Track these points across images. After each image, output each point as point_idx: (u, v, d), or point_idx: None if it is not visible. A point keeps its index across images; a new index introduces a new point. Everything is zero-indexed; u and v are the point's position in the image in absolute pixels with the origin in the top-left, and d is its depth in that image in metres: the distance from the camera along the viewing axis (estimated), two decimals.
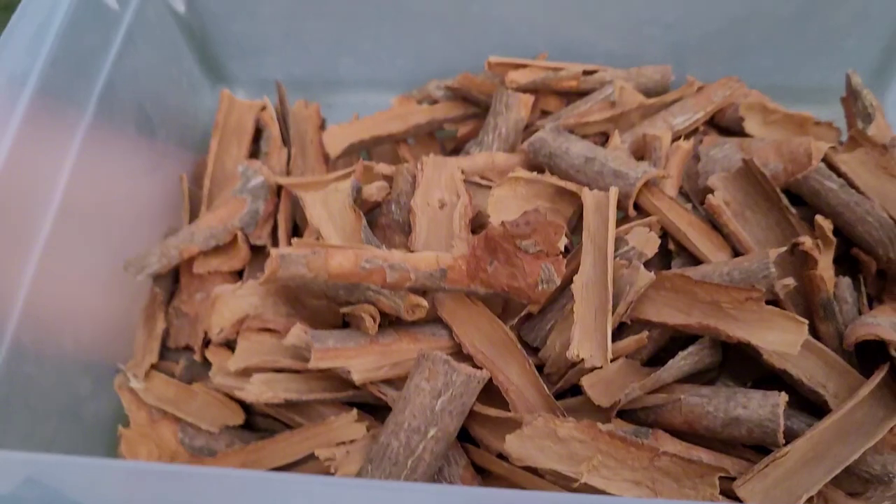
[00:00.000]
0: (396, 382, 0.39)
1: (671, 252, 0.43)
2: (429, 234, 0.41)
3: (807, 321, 0.37)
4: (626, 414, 0.39)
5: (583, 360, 0.37)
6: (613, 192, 0.41)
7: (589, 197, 0.41)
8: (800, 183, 0.42)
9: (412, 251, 0.40)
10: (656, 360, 0.40)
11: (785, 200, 0.41)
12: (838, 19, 0.49)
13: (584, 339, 0.37)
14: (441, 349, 0.39)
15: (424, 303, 0.37)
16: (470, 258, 0.37)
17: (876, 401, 0.38)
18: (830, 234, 0.40)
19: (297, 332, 0.39)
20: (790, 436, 0.37)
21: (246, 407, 0.41)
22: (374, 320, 0.38)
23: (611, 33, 0.51)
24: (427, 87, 0.52)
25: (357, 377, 0.37)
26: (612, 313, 0.38)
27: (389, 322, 0.40)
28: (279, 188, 0.46)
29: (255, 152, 0.50)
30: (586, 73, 0.49)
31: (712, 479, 0.33)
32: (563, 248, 0.37)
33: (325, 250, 0.35)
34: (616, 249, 0.40)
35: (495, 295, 0.39)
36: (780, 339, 0.37)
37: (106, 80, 0.44)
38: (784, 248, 0.39)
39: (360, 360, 0.38)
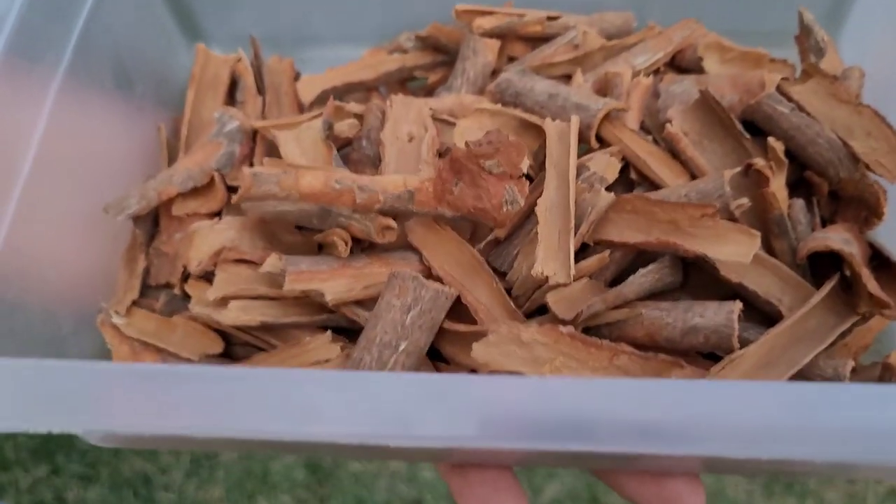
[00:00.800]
0: (368, 304, 0.40)
1: (633, 181, 0.45)
2: (398, 166, 0.42)
3: (759, 233, 0.38)
4: (591, 331, 0.41)
5: (547, 278, 0.38)
6: (575, 122, 0.42)
7: (551, 127, 0.43)
8: (754, 109, 0.43)
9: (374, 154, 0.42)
10: (620, 280, 0.42)
11: (739, 127, 0.43)
12: None
13: (548, 258, 0.39)
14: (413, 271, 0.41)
15: (394, 224, 0.39)
16: (436, 180, 0.39)
17: (827, 309, 0.39)
18: (782, 156, 0.42)
19: (273, 260, 0.40)
20: (747, 344, 0.39)
21: (226, 338, 0.43)
22: (346, 244, 0.39)
23: None
24: (398, 39, 0.54)
25: (330, 298, 0.39)
26: (575, 234, 0.40)
27: (361, 248, 0.41)
28: (254, 132, 0.47)
29: (230, 103, 0.52)
30: (550, 18, 0.51)
31: (669, 374, 0.35)
32: (525, 170, 0.39)
33: (296, 170, 0.36)
34: (578, 175, 0.42)
35: (463, 219, 0.41)
36: (734, 250, 0.38)
37: (82, 30, 0.45)
38: (738, 170, 0.41)
39: (333, 282, 0.39)
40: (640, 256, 0.42)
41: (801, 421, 0.27)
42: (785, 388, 0.29)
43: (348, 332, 0.41)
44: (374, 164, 0.44)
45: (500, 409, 0.27)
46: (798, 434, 0.27)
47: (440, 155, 0.42)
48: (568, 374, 0.35)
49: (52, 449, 0.91)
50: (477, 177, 0.38)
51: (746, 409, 0.27)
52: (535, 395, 0.27)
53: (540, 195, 0.41)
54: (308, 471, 0.89)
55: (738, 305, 0.38)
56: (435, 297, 0.37)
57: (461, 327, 0.39)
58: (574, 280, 0.40)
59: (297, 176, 0.36)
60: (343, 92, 0.51)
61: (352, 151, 0.45)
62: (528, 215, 0.41)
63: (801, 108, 0.43)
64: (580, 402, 0.27)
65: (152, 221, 0.47)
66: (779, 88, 0.45)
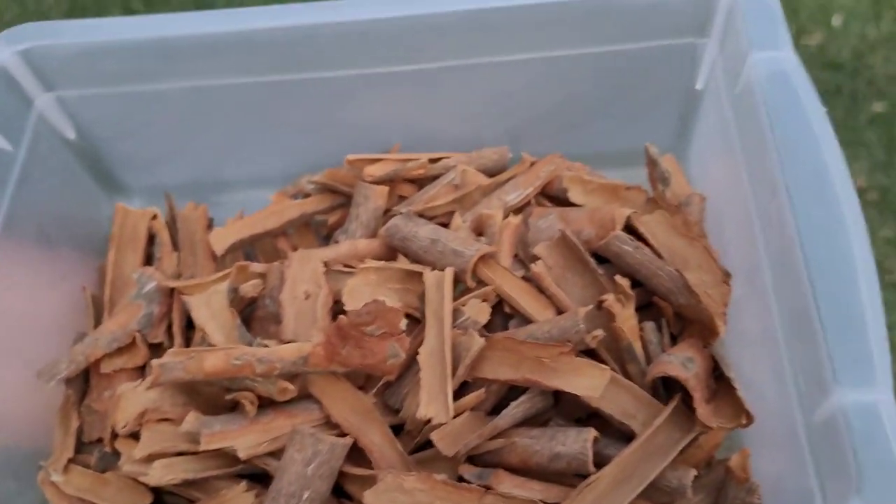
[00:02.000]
0: (277, 454, 0.45)
1: (508, 314, 0.51)
2: (297, 324, 0.48)
3: (607, 368, 0.45)
4: (476, 458, 0.47)
5: (430, 418, 0.45)
6: (449, 273, 0.49)
7: (430, 277, 0.49)
8: (604, 248, 0.50)
9: (284, 340, 0.47)
10: (501, 407, 0.48)
11: (593, 263, 0.50)
12: (640, 97, 0.58)
13: (430, 401, 0.45)
14: (313, 421, 0.46)
15: (291, 387, 0.45)
16: (326, 345, 0.44)
17: (672, 425, 0.46)
18: (628, 289, 0.48)
19: (191, 420, 0.46)
20: (606, 460, 0.45)
21: (156, 490, 0.48)
22: (253, 404, 0.45)
23: (455, 122, 0.60)
24: (300, 182, 0.60)
25: (242, 454, 0.44)
26: (453, 376, 0.46)
27: (269, 403, 0.47)
28: (171, 290, 0.53)
29: (150, 256, 0.57)
30: (432, 161, 0.57)
31: None
32: (403, 328, 0.45)
33: (199, 354, 0.42)
34: (456, 320, 0.48)
35: (354, 371, 0.46)
36: (587, 384, 0.45)
37: (6, 214, 0.50)
38: (590, 307, 0.48)
39: (244, 438, 0.45)
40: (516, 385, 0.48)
41: None
42: None
43: (262, 478, 0.47)
44: (277, 320, 0.49)
45: None
46: None
47: (333, 314, 0.48)
48: None
49: None
50: (360, 340, 0.44)
51: None
52: None
53: (421, 342, 0.47)
54: None
55: (591, 434, 0.44)
56: (332, 449, 0.43)
57: (358, 471, 0.45)
58: (456, 415, 0.46)
59: (201, 360, 0.42)
60: (251, 241, 0.57)
61: (257, 309, 0.50)
62: (414, 358, 0.47)
63: (645, 241, 0.50)
64: None
65: (83, 379, 0.52)
66: (628, 222, 0.51)
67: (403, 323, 0.45)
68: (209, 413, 0.47)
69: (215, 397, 0.49)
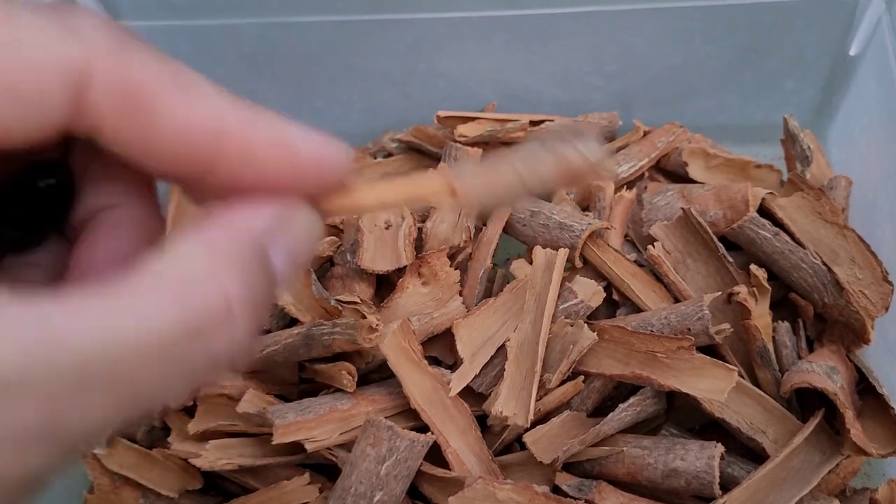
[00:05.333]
0: (348, 444, 0.40)
1: (617, 302, 0.44)
2: (375, 252, 0.43)
3: (735, 369, 0.38)
4: (574, 466, 0.40)
5: (507, 417, 0.38)
6: (563, 253, 0.42)
7: (539, 255, 0.42)
8: (736, 232, 0.43)
9: (360, 266, 0.42)
10: (604, 408, 0.42)
11: (722, 249, 0.43)
12: (774, 63, 0.50)
13: (511, 397, 0.39)
14: (396, 408, 0.40)
15: (376, 321, 0.38)
16: None
17: (812, 446, 0.39)
18: (765, 282, 0.41)
19: (251, 398, 0.40)
20: (730, 483, 0.39)
21: (205, 471, 0.42)
22: (353, 377, 0.39)
23: (555, 83, 0.53)
24: (381, 140, 0.54)
25: (310, 446, 0.38)
26: (556, 372, 0.39)
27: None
28: None
29: None
30: (533, 123, 0.51)
31: None
32: None
33: None
34: (563, 301, 0.42)
35: None
36: (710, 386, 0.38)
37: None
38: (718, 294, 0.40)
39: (320, 429, 0.39)
40: (623, 383, 0.42)
41: None
42: None
43: (327, 470, 0.41)
44: (360, 275, 0.44)
45: None
46: None
47: (416, 249, 0.43)
48: None
49: None
50: None
51: None
52: None
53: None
54: None
55: (718, 450, 0.37)
56: (410, 446, 0.37)
57: (438, 471, 0.38)
58: (550, 413, 0.40)
59: None
60: None
61: (336, 266, 0.45)
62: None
63: (784, 227, 0.43)
64: None
65: None
66: (763, 205, 0.44)
67: None
68: (274, 392, 0.42)
69: (279, 374, 0.43)
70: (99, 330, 0.14)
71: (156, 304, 0.14)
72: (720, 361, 0.38)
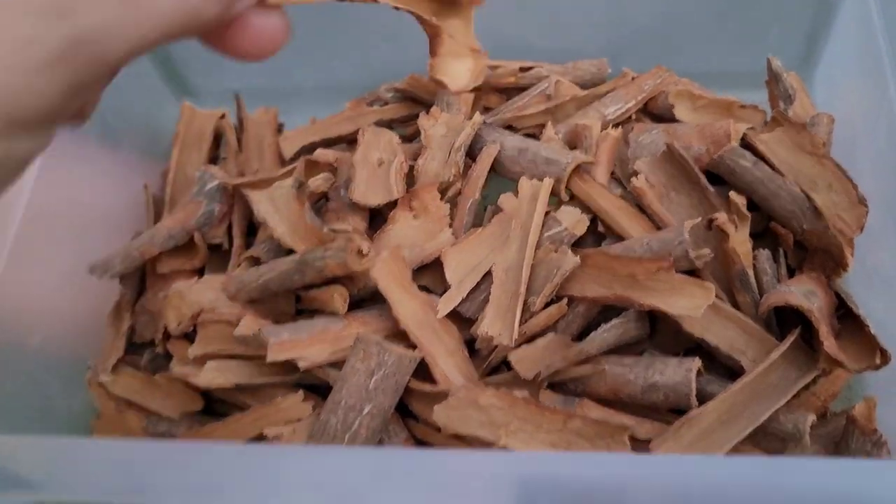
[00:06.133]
0: (339, 364, 0.41)
1: (601, 234, 0.46)
2: (367, 186, 0.45)
3: (712, 286, 0.39)
4: (558, 386, 0.42)
5: (493, 337, 0.40)
6: (547, 183, 0.43)
7: (525, 186, 0.44)
8: (717, 163, 0.44)
9: (352, 200, 0.44)
10: (589, 333, 0.43)
11: (704, 180, 0.44)
12: (759, 11, 0.51)
13: (496, 318, 0.40)
14: (386, 330, 0.42)
15: (366, 245, 0.40)
16: None
17: (789, 363, 0.40)
18: (744, 209, 0.42)
19: (247, 323, 0.42)
20: (709, 398, 0.40)
21: (206, 394, 0.44)
22: (344, 300, 0.41)
23: (548, 31, 0.54)
24: (377, 91, 0.55)
25: (303, 364, 0.40)
26: (539, 294, 0.41)
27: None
28: (234, 190, 0.49)
29: (215, 159, 0.53)
30: (523, 69, 0.52)
31: (622, 437, 0.35)
32: None
33: None
34: (548, 229, 0.43)
35: None
36: (688, 303, 0.39)
37: None
38: (698, 220, 0.42)
39: (313, 348, 0.40)
40: (608, 307, 0.43)
41: None
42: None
43: (319, 389, 0.42)
44: (353, 208, 0.45)
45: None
46: None
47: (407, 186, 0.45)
48: (523, 437, 0.36)
49: None
50: None
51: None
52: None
53: None
54: None
55: (695, 363, 0.39)
56: (398, 361, 0.39)
57: (427, 387, 0.40)
58: (536, 336, 0.41)
59: None
60: (323, 146, 0.53)
61: (331, 201, 0.46)
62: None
63: (765, 160, 0.44)
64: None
65: (139, 279, 0.49)
66: (744, 138, 0.45)
67: None
68: (269, 319, 0.44)
69: (276, 302, 0.45)
70: None
71: None
72: (697, 280, 0.39)
